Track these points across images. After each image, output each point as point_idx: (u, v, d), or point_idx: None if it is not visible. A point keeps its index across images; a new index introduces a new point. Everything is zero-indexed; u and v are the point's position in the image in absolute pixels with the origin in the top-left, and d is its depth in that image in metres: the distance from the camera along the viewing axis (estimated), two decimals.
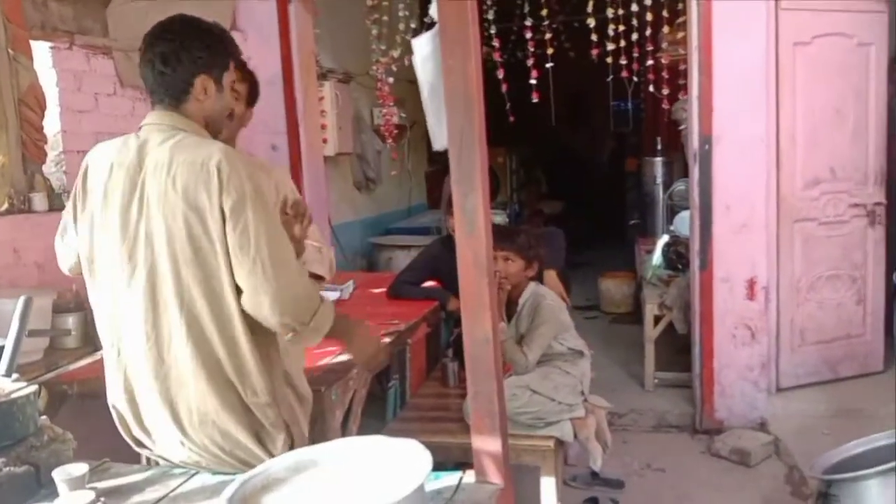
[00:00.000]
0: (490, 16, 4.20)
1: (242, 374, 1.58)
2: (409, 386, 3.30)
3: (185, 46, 1.62)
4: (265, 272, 1.51)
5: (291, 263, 1.60)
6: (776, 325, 4.10)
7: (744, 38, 3.79)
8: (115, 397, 1.68)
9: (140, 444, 1.71)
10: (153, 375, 1.59)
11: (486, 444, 1.42)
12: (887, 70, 4.24)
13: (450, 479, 1.45)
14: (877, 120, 4.19)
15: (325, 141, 5.16)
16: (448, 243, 3.74)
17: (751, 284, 3.95)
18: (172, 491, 1.49)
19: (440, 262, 3.61)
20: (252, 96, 2.14)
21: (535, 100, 4.02)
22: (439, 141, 1.45)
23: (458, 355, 3.18)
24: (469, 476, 1.46)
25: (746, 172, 3.86)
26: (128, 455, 1.73)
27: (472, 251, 1.42)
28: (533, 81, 3.96)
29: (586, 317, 6.57)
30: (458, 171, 1.41)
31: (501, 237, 2.87)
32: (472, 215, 1.40)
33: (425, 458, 1.20)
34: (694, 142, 3.94)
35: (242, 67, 1.94)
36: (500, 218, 6.08)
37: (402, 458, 1.22)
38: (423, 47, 1.47)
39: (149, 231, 1.56)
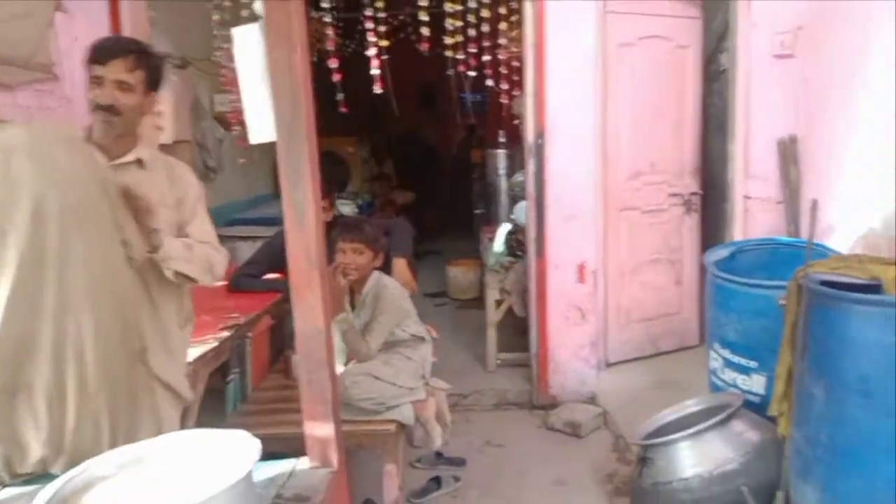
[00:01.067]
0: (327, 4, 4.18)
1: None
2: (249, 380, 3.25)
3: None
4: None
5: None
6: (604, 306, 4.42)
7: (574, 38, 4.03)
8: None
9: None
10: None
11: (319, 430, 1.46)
12: (702, 71, 4.66)
13: (283, 466, 1.48)
14: (692, 117, 4.61)
15: (160, 128, 4.93)
16: None
17: (581, 269, 4.24)
18: None
19: (283, 253, 3.57)
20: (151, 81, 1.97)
21: (378, 90, 4.06)
22: (256, 134, 1.46)
23: None
24: (303, 463, 1.49)
25: (576, 165, 4.13)
26: None
27: (303, 243, 1.45)
28: (375, 72, 3.99)
29: (436, 304, 6.74)
30: (287, 164, 1.43)
31: (349, 229, 2.90)
32: (302, 207, 1.43)
33: (254, 447, 1.22)
34: (529, 135, 4.15)
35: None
36: (350, 208, 6.09)
37: (230, 450, 1.24)
38: (244, 38, 1.47)
39: None
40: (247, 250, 5.01)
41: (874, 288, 2.49)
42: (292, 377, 3.11)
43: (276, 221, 5.73)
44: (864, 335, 2.38)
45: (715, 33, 4.64)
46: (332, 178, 6.05)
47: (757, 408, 3.05)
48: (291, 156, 1.41)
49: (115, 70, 1.81)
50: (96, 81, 1.81)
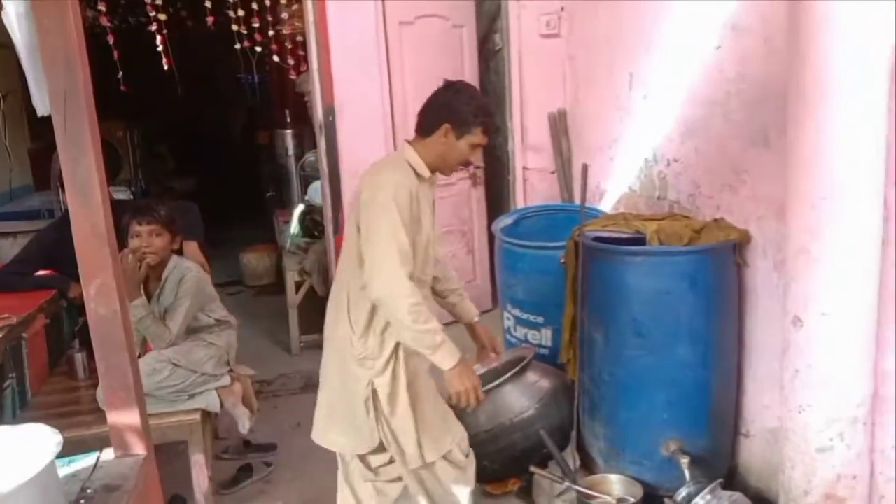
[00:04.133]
0: None
1: None
2: (28, 384, 2.94)
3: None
4: None
5: None
6: None
7: (355, 15, 4.05)
8: None
9: None
10: None
11: (123, 417, 1.38)
12: (478, 49, 4.89)
13: (85, 460, 1.38)
14: None
15: None
16: (63, 226, 3.40)
17: None
18: None
19: (56, 248, 3.28)
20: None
21: (165, 66, 3.82)
22: (42, 106, 1.34)
23: (86, 345, 2.95)
24: (108, 454, 1.40)
25: (368, 141, 4.16)
26: None
27: (90, 222, 1.35)
28: (160, 48, 3.75)
29: (229, 292, 6.49)
30: (65, 137, 1.32)
31: (144, 211, 2.71)
32: (86, 182, 1.33)
33: (53, 439, 1.13)
34: (318, 113, 4.13)
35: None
36: (124, 195, 5.67)
37: (28, 444, 1.13)
38: (15, 6, 1.33)
39: None
40: (9, 248, 4.54)
41: (639, 241, 2.81)
42: (79, 378, 2.87)
43: (41, 215, 5.23)
44: (634, 283, 2.69)
45: (488, 14, 4.89)
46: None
47: (548, 358, 3.33)
48: (70, 128, 1.30)
49: None
50: None
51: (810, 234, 2.02)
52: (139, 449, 1.40)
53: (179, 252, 3.07)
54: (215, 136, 10.59)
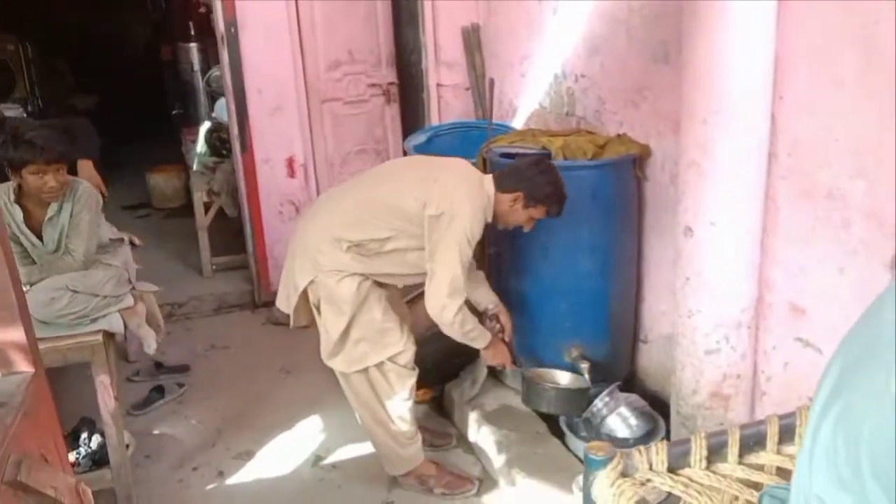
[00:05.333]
0: None
1: None
2: None
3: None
4: None
5: None
6: (315, 198, 4.47)
7: None
8: None
9: None
10: None
11: (8, 335, 1.34)
12: None
13: None
14: (383, 7, 4.68)
15: None
16: None
17: (290, 163, 4.23)
18: None
19: None
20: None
21: None
22: None
23: None
24: None
25: (274, 56, 4.02)
26: None
27: None
28: None
29: (138, 215, 6.29)
30: None
31: (46, 150, 2.42)
32: None
33: None
34: (220, 25, 3.94)
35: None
36: (16, 113, 5.33)
37: None
38: None
39: None
40: None
41: (545, 156, 2.85)
42: None
43: None
44: None
45: None
46: None
47: None
48: None
49: None
50: None
51: (700, 148, 2.10)
52: (26, 366, 1.36)
53: (73, 172, 2.92)
54: (116, 51, 9.98)
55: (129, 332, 2.83)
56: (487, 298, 2.72)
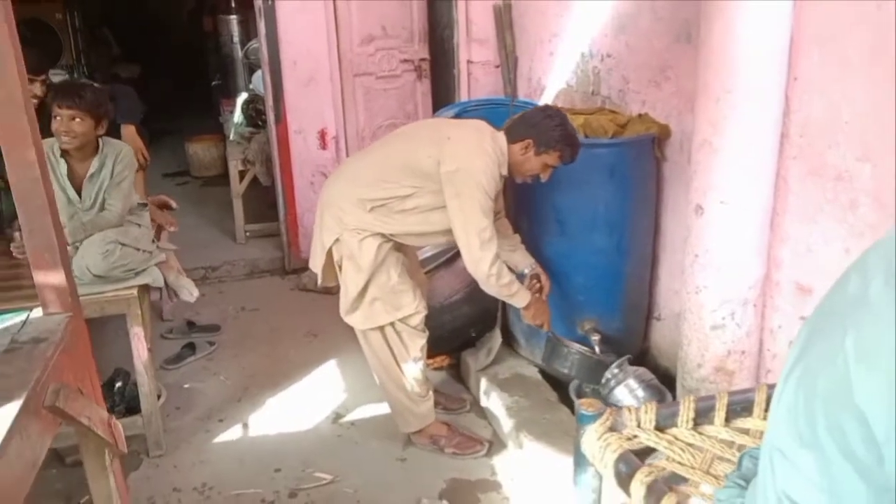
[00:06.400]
0: None
1: None
2: None
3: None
4: None
5: None
6: None
7: None
8: None
9: None
10: None
11: (49, 277, 1.47)
12: None
13: (16, 318, 1.48)
14: None
15: None
16: None
17: (322, 135, 4.34)
18: None
19: None
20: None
21: None
22: None
23: None
24: (37, 312, 1.50)
25: (309, 29, 4.12)
26: None
27: (5, 91, 1.39)
28: None
29: (177, 183, 6.48)
30: None
31: (65, 94, 2.65)
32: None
33: None
34: None
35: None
36: (63, 78, 5.51)
37: None
38: None
39: None
40: None
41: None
42: (16, 257, 2.92)
43: None
44: (558, 172, 2.80)
45: None
46: (41, 50, 5.40)
47: None
48: None
49: None
50: None
51: (713, 126, 2.15)
52: (66, 307, 1.50)
53: (114, 136, 3.06)
54: (160, 22, 10.18)
55: (164, 292, 2.99)
56: (525, 261, 2.76)
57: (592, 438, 1.45)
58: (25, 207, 1.44)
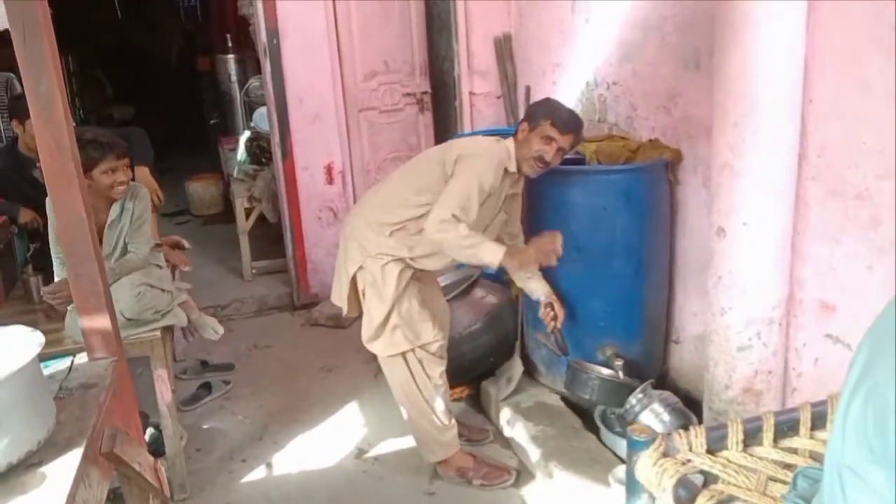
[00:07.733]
0: None
1: None
2: None
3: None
4: None
5: None
6: (353, 204, 4.60)
7: None
8: None
9: None
10: None
11: (95, 322, 1.47)
12: None
13: (61, 364, 1.47)
14: (417, 18, 4.81)
15: None
16: (11, 154, 3.35)
17: (329, 170, 4.37)
18: None
19: (2, 176, 3.28)
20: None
21: None
22: None
23: (40, 269, 2.97)
24: (81, 358, 1.50)
25: (314, 66, 4.17)
26: None
27: (53, 137, 1.40)
28: None
29: (177, 222, 6.48)
30: (26, 55, 1.36)
31: (112, 146, 2.55)
32: (48, 100, 1.38)
33: (35, 338, 1.22)
34: (262, 36, 4.09)
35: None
36: None
37: (11, 343, 1.22)
38: None
39: None
40: None
41: (579, 161, 2.95)
42: (34, 301, 2.91)
43: None
44: (573, 200, 2.84)
45: None
46: None
47: (493, 277, 3.47)
48: (31, 46, 1.33)
49: None
50: None
51: (732, 150, 2.18)
52: (111, 352, 1.49)
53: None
54: (150, 62, 10.24)
55: (176, 332, 2.97)
56: (541, 289, 2.77)
57: (647, 464, 1.45)
58: (72, 251, 1.44)
